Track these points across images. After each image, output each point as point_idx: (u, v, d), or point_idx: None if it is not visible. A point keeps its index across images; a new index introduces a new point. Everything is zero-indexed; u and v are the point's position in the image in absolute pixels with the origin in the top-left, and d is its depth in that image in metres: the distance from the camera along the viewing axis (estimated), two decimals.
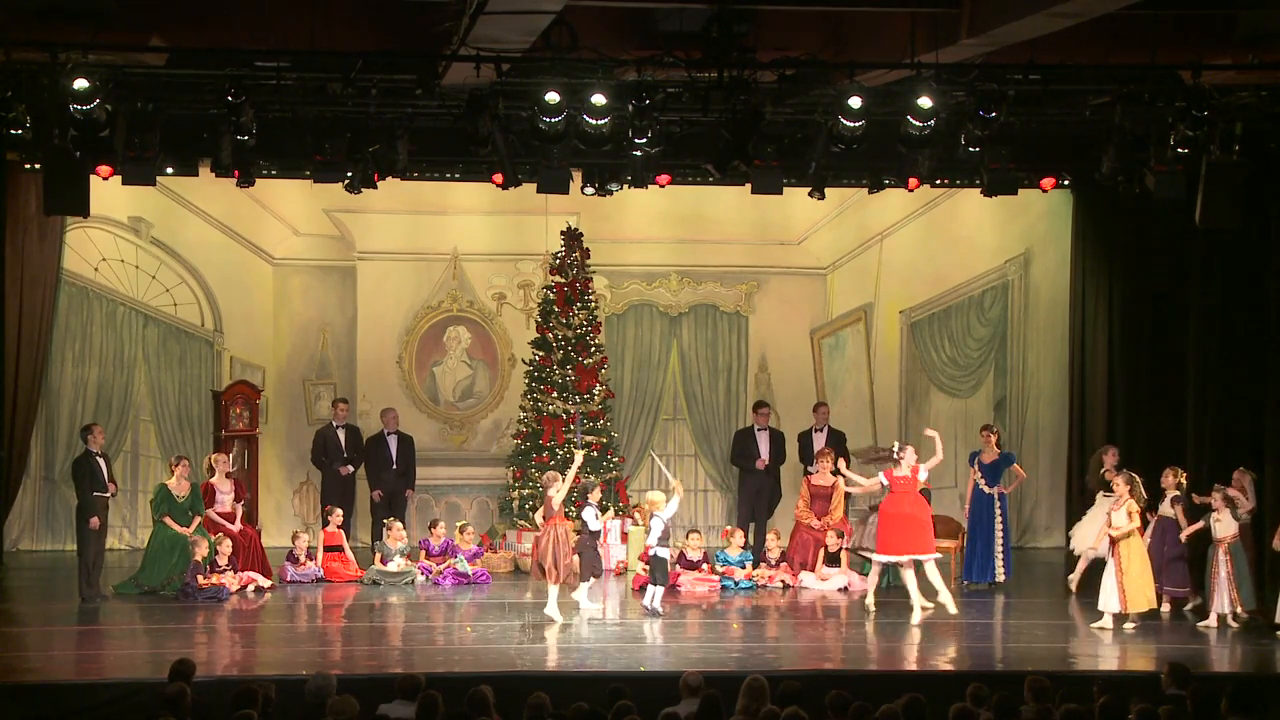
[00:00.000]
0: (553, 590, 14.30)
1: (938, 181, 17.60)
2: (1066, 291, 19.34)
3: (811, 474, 17.04)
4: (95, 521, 15.16)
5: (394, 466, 17.63)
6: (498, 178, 15.85)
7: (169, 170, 16.45)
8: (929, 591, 14.53)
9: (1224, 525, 14.24)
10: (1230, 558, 14.19)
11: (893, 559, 14.62)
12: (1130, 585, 13.98)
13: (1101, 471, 16.12)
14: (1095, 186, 16.75)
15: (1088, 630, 14.06)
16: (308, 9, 12.91)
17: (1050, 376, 19.64)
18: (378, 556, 16.62)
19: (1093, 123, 15.24)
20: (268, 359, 19.06)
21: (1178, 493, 14.63)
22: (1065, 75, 13.99)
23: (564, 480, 14.53)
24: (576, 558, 14.56)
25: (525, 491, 17.61)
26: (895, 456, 14.71)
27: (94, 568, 15.24)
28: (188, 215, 18.74)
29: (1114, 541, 14.08)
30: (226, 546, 15.81)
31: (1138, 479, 14.22)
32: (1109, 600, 14.05)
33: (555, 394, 17.84)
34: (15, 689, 11.62)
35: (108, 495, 15.46)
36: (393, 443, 17.69)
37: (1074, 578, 15.95)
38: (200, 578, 15.47)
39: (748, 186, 15.36)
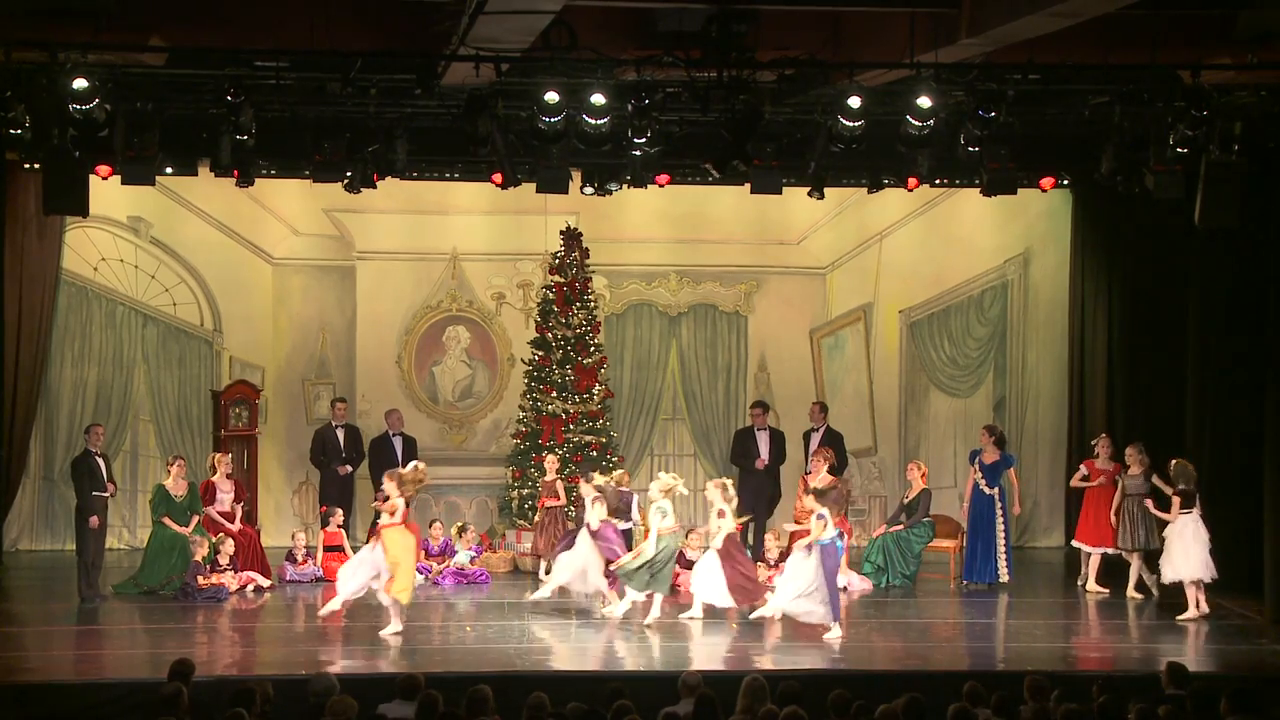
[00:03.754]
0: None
1: (937, 181, 17.56)
2: (1066, 291, 19.30)
3: (807, 474, 17.02)
4: (95, 521, 15.17)
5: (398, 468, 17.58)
6: (497, 178, 15.84)
7: (168, 170, 16.40)
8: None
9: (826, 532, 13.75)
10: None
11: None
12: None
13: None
14: (1095, 186, 16.72)
15: (1096, 629, 14.13)
16: (307, 9, 12.89)
17: (1050, 376, 19.62)
18: None
19: (1092, 123, 15.21)
20: (267, 359, 19.05)
21: None
22: (1065, 75, 13.96)
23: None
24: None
25: (525, 491, 17.61)
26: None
27: (93, 568, 15.25)
28: (187, 215, 18.72)
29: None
30: (229, 546, 15.82)
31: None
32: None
33: (555, 394, 17.84)
34: (15, 689, 11.63)
35: (107, 495, 15.47)
36: (398, 444, 17.60)
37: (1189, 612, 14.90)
38: (200, 578, 15.48)
39: (747, 186, 15.35)
